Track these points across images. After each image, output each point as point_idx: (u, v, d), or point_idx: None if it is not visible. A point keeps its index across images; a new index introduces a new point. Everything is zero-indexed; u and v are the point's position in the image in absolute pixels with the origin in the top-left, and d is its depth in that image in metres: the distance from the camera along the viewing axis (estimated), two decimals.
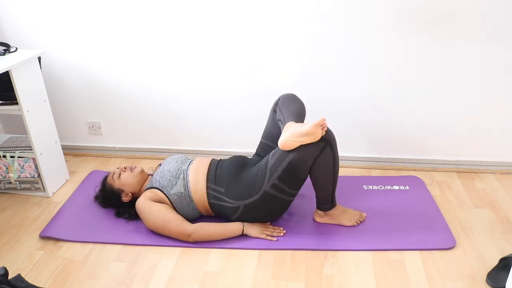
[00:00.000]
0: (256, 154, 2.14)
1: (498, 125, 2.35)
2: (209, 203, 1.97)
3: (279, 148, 1.82)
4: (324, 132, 1.78)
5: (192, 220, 2.02)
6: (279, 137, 1.97)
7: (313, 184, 1.94)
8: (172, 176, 2.00)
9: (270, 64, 2.35)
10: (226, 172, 1.98)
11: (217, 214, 2.01)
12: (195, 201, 1.98)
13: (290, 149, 1.78)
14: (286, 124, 1.84)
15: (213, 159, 2.09)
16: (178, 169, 2.02)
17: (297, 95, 2.06)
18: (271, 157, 1.87)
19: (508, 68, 2.21)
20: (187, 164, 2.05)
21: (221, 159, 2.09)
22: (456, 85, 2.28)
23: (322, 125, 1.75)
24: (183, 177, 1.99)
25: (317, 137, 1.75)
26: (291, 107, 1.96)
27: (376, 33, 2.20)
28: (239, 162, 2.03)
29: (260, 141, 2.14)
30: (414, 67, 2.26)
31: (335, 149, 1.85)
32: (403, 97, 2.34)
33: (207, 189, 1.96)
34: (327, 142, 1.80)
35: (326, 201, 1.98)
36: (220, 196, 1.95)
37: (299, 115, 1.94)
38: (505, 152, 2.42)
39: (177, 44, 2.37)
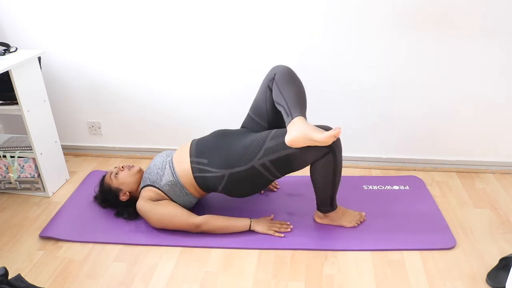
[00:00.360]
0: (243, 126, 2.10)
1: (498, 125, 2.35)
2: (194, 178, 1.95)
3: (282, 136, 1.78)
4: (335, 139, 1.73)
5: (191, 208, 2.04)
6: (269, 116, 1.97)
7: (313, 186, 1.94)
8: (159, 169, 2.01)
9: (271, 64, 2.34)
10: (209, 144, 1.97)
11: (204, 188, 1.99)
12: (185, 184, 1.97)
13: (297, 147, 1.76)
14: (295, 120, 1.75)
15: (193, 139, 2.07)
16: (163, 161, 2.03)
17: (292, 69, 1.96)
18: (270, 139, 1.83)
19: (508, 68, 2.20)
20: (172, 155, 2.06)
21: (203, 137, 2.07)
22: (456, 85, 2.28)
23: (337, 136, 1.70)
24: (169, 166, 1.99)
25: (328, 144, 1.72)
26: (292, 91, 1.85)
27: (376, 33, 2.20)
28: (221, 133, 2.01)
29: (248, 114, 2.08)
30: (414, 67, 2.26)
31: (338, 157, 1.83)
32: (403, 97, 2.34)
33: (191, 163, 1.95)
34: (330, 149, 1.78)
35: (325, 204, 1.98)
36: (204, 168, 1.93)
37: (303, 103, 1.84)
38: (505, 152, 2.42)
39: (177, 44, 2.37)
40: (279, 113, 1.89)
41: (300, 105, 1.82)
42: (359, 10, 2.16)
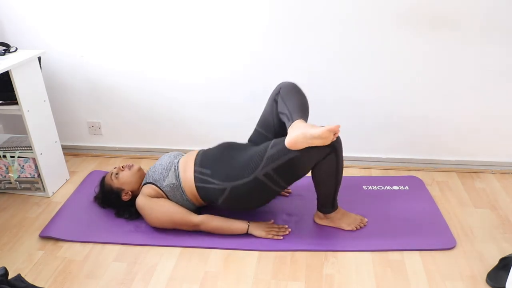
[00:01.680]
0: (249, 141, 2.10)
1: (498, 125, 2.35)
2: (196, 187, 1.95)
3: (282, 141, 1.78)
4: (335, 138, 1.74)
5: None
6: (275, 129, 1.96)
7: (315, 186, 1.93)
8: (164, 169, 2.01)
9: (273, 69, 2.35)
10: (214, 155, 1.97)
11: (205, 199, 1.98)
12: (186, 191, 1.97)
13: (297, 149, 1.75)
14: (294, 122, 1.77)
15: (201, 149, 2.08)
16: (170, 162, 2.03)
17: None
18: (271, 147, 1.82)
19: (508, 69, 2.21)
20: (179, 158, 2.06)
21: (210, 148, 2.07)
22: (456, 85, 2.28)
23: (335, 131, 1.70)
24: (174, 169, 1.99)
25: (327, 141, 1.71)
26: (295, 100, 1.89)
27: (377, 35, 2.20)
28: (226, 146, 2.02)
29: (255, 129, 2.09)
30: (414, 67, 2.26)
31: (340, 156, 1.84)
32: (403, 97, 2.34)
33: (194, 173, 1.95)
34: (332, 149, 1.78)
35: (326, 204, 1.98)
36: (206, 178, 1.92)
37: (305, 111, 1.88)
38: (505, 152, 2.42)
39: (177, 44, 2.37)
40: (285, 126, 1.88)
41: (301, 111, 1.84)
42: (359, 11, 2.16)
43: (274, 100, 1.99)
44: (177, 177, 1.98)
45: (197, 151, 2.07)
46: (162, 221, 1.97)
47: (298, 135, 1.71)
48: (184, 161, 2.02)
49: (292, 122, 1.79)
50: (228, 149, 1.99)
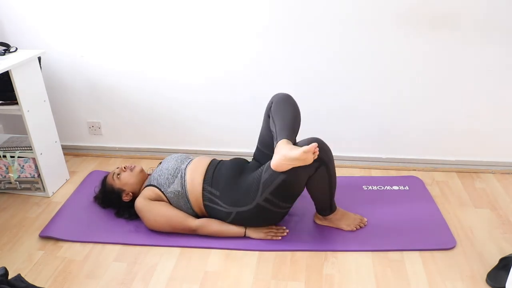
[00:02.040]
0: (254, 159, 2.11)
1: (498, 125, 2.35)
2: (204, 205, 1.96)
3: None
4: (316, 156, 1.69)
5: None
6: (273, 146, 1.96)
7: (310, 195, 1.93)
8: (170, 175, 1.99)
9: (273, 64, 2.35)
10: (224, 176, 1.95)
11: (212, 216, 1.99)
12: (191, 201, 1.97)
13: (283, 171, 1.73)
14: (278, 144, 1.75)
15: (213, 160, 2.06)
16: (177, 168, 2.01)
17: (291, 95, 1.96)
18: (264, 172, 1.82)
19: (508, 69, 2.21)
20: (186, 163, 2.04)
21: (221, 160, 2.06)
22: (456, 85, 2.28)
23: (312, 151, 1.66)
24: (181, 176, 1.98)
25: (308, 161, 1.67)
26: (283, 117, 1.86)
27: (378, 33, 2.20)
28: (238, 167, 1.98)
29: (257, 146, 2.10)
30: (414, 67, 2.26)
31: (331, 168, 1.82)
32: (403, 97, 2.34)
33: (203, 190, 1.94)
34: (321, 162, 1.77)
35: (324, 208, 1.98)
36: (214, 199, 1.93)
37: (292, 128, 1.84)
38: (505, 152, 2.42)
39: (178, 44, 2.37)
40: None
41: (288, 128, 1.81)
42: (359, 11, 2.16)
43: (268, 116, 1.97)
44: (183, 185, 1.96)
45: (208, 162, 2.03)
46: (160, 224, 1.96)
47: (280, 158, 1.69)
48: (192, 171, 1.98)
49: (276, 143, 1.77)
50: (238, 170, 1.96)
